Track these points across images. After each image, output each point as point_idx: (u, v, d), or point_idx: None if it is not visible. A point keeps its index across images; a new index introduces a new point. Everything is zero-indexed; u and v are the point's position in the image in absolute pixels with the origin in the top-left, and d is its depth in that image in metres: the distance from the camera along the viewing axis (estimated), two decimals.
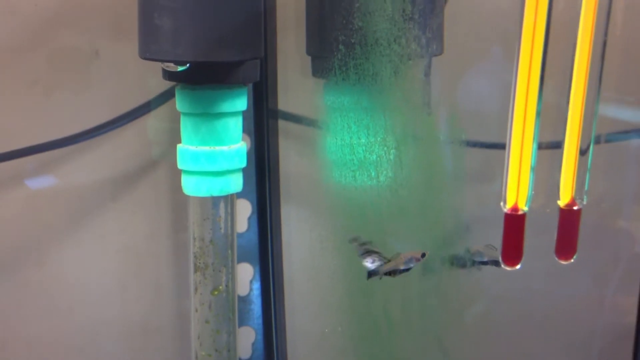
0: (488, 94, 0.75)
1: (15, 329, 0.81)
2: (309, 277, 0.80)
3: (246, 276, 0.83)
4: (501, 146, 0.61)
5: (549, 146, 0.63)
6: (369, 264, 0.66)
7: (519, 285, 0.79)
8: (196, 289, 0.70)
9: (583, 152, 0.62)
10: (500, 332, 0.81)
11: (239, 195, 0.79)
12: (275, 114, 0.80)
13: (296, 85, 0.79)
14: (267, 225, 0.80)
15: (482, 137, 0.75)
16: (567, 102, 0.61)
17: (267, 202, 0.80)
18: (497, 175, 0.63)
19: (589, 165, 0.62)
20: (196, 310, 0.71)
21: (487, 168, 0.77)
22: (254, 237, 0.82)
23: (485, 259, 0.69)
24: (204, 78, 0.63)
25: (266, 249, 0.81)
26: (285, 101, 0.80)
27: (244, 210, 0.81)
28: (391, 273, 0.66)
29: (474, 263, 0.70)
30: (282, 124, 0.80)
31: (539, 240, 0.64)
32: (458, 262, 0.71)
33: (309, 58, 0.69)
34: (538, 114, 0.59)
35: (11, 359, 0.81)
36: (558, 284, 0.83)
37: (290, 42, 0.78)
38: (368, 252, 0.66)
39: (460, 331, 0.75)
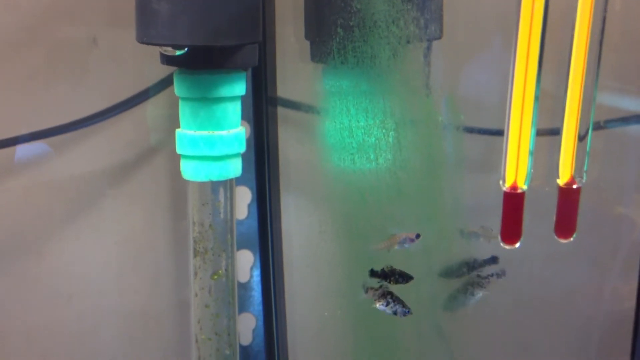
0: (487, 78, 0.75)
1: (14, 318, 0.81)
2: (309, 263, 0.80)
3: (247, 263, 0.83)
4: (502, 133, 0.61)
5: (550, 132, 0.63)
6: (383, 306, 0.66)
7: (518, 272, 0.79)
8: (196, 274, 0.70)
9: (582, 138, 0.62)
10: (499, 318, 0.81)
11: (238, 182, 0.79)
12: (275, 101, 0.79)
13: (295, 71, 0.79)
14: (266, 212, 0.80)
15: (482, 123, 0.75)
16: (566, 87, 0.61)
17: (267, 189, 0.79)
18: (498, 161, 0.63)
19: (588, 146, 0.62)
20: (196, 295, 0.71)
21: (487, 154, 0.77)
22: (254, 224, 0.82)
23: (490, 273, 0.70)
24: (202, 62, 0.63)
25: (266, 236, 0.81)
26: (284, 88, 0.80)
27: (244, 197, 0.81)
28: (390, 280, 0.66)
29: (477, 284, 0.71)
30: (281, 110, 0.80)
31: (539, 227, 0.64)
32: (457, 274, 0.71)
33: (307, 44, 0.69)
34: (536, 97, 0.59)
35: (11, 349, 0.81)
36: (557, 270, 0.83)
37: (289, 28, 0.78)
38: (383, 295, 0.66)
39: (459, 317, 0.75)
